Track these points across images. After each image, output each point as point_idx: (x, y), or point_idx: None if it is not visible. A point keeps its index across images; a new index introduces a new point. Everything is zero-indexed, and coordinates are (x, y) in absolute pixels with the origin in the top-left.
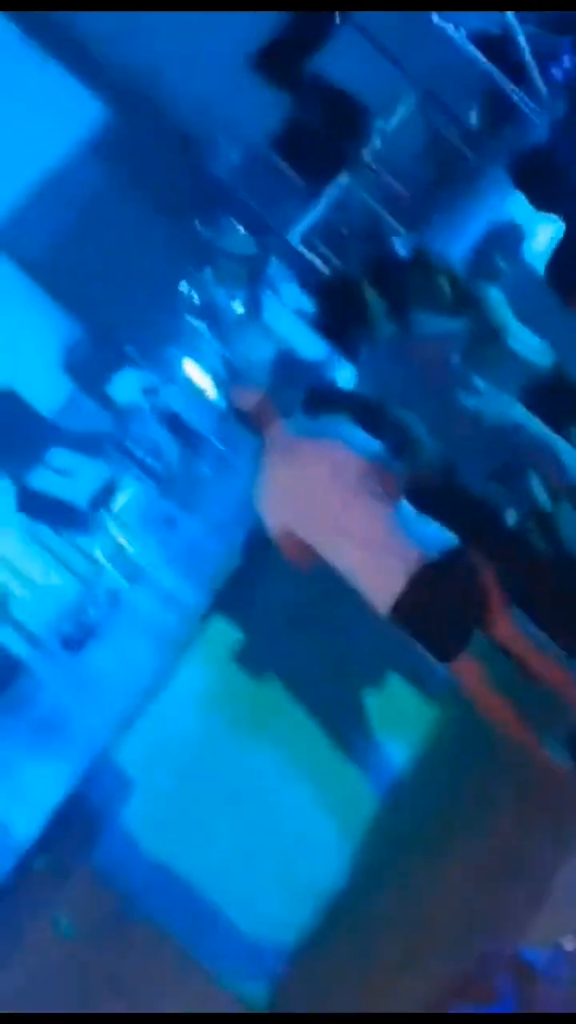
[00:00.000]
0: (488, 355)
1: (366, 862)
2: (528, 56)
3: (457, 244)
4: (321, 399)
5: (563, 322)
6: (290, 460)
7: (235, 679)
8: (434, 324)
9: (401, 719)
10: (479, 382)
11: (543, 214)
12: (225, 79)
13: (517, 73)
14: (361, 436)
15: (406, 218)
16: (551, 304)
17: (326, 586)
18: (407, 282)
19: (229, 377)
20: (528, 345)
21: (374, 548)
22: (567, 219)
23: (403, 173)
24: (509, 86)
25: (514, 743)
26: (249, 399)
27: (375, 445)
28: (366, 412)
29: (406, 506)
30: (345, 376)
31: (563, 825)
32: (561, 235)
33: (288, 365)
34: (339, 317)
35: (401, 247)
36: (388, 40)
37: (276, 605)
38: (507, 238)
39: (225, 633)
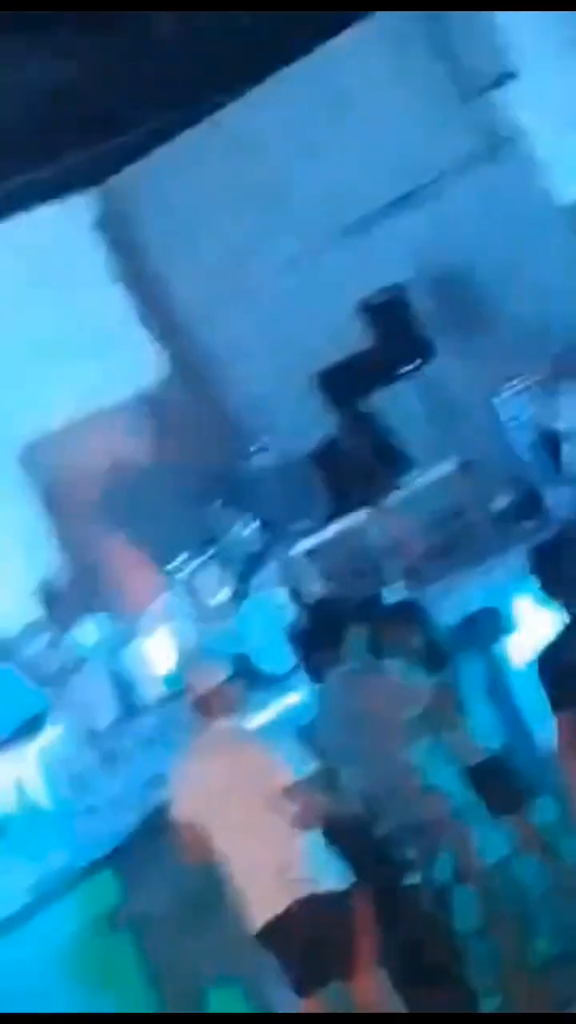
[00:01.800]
0: (442, 722)
1: None
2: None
3: (449, 610)
4: None
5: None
6: (223, 754)
7: (101, 934)
8: (401, 671)
9: None
10: (423, 744)
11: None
12: (288, 385)
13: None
14: (298, 753)
15: (406, 571)
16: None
17: (211, 880)
18: (386, 628)
19: (191, 656)
20: (482, 726)
21: (270, 863)
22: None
23: (418, 529)
24: (543, 485)
25: None
26: (211, 679)
27: (309, 767)
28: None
29: (316, 833)
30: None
31: None
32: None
33: (250, 665)
34: (319, 637)
35: (390, 596)
36: (443, 402)
37: (162, 881)
38: (495, 617)
39: (105, 890)
